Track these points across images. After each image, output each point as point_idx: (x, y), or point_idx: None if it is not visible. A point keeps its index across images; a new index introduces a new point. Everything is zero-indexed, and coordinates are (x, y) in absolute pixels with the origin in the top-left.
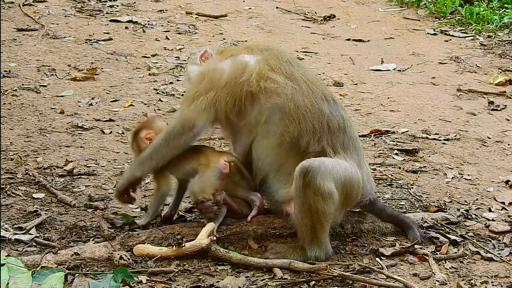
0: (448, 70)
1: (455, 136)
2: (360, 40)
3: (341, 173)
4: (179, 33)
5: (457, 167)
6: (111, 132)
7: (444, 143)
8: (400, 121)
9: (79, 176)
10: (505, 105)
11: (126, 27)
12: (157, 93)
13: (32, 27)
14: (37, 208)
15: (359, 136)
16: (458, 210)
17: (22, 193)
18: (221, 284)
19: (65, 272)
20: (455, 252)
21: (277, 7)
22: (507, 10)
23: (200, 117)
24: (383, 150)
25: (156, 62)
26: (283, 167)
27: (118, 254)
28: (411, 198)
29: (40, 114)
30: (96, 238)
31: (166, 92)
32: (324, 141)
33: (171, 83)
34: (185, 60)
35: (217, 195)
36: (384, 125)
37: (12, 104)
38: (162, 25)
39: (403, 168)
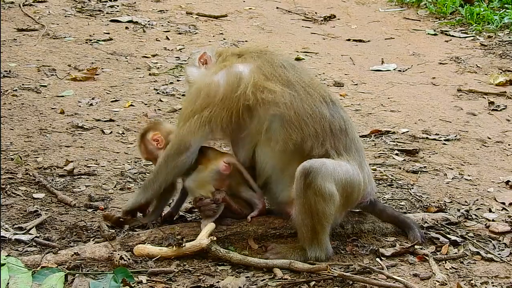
0: (448, 71)
1: (456, 136)
2: (360, 40)
3: (342, 174)
4: (180, 33)
5: (457, 168)
6: (111, 132)
7: (444, 144)
8: (401, 122)
9: (79, 176)
10: (506, 106)
11: (127, 27)
12: (158, 93)
13: (32, 27)
14: (37, 208)
15: (360, 136)
16: (459, 210)
17: (22, 193)
18: (221, 284)
19: (65, 272)
20: (455, 253)
21: (277, 7)
22: (507, 10)
23: (195, 137)
24: (384, 151)
25: (156, 62)
26: (286, 170)
27: (118, 254)
28: (411, 199)
29: (40, 114)
30: (96, 238)
31: (167, 92)
32: (328, 144)
33: (171, 83)
34: (185, 60)
35: (217, 194)
36: (385, 125)
37: (12, 104)
38: (162, 25)
39: (404, 169)
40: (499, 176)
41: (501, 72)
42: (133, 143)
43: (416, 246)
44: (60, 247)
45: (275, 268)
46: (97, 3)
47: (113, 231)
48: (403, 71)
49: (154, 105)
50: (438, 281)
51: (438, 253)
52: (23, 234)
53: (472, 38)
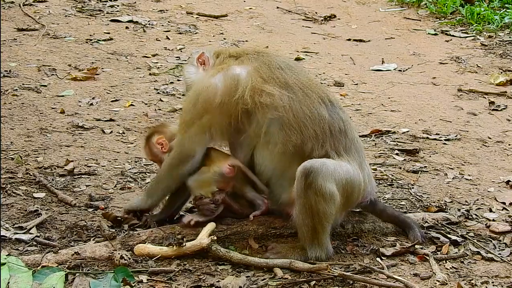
0: (448, 70)
1: (456, 136)
2: (360, 40)
3: (343, 174)
4: (180, 33)
5: (457, 167)
6: (111, 132)
7: (444, 143)
8: (401, 121)
9: (79, 176)
10: (506, 105)
11: (127, 27)
12: (158, 93)
13: (33, 27)
14: (38, 207)
15: (360, 136)
16: (459, 210)
17: (23, 193)
18: (221, 284)
19: (65, 271)
20: (456, 252)
21: (277, 7)
22: (507, 10)
23: (198, 145)
24: (384, 150)
25: (156, 62)
26: (286, 172)
27: (119, 253)
28: (411, 198)
29: (40, 113)
30: (96, 238)
31: (167, 92)
32: (327, 146)
33: (171, 83)
34: (185, 60)
35: (217, 194)
36: (385, 125)
37: (12, 103)
38: (162, 25)
39: (404, 168)
40: (500, 176)
41: (501, 72)
42: (134, 143)
43: (416, 246)
44: (60, 247)
45: (275, 267)
46: (97, 3)
47: (114, 230)
48: (404, 71)
49: (155, 104)
50: (438, 281)
51: (439, 252)
52: (24, 233)
53: (472, 38)
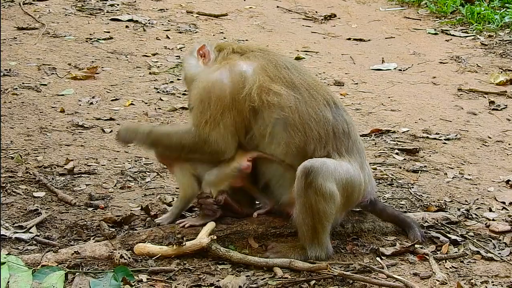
0: (449, 70)
1: (456, 135)
2: (360, 40)
3: (343, 174)
4: (180, 32)
5: (457, 167)
6: (111, 131)
7: (444, 143)
8: (401, 121)
9: (79, 175)
10: (506, 105)
11: (127, 26)
12: (158, 92)
13: (33, 26)
14: (38, 206)
15: (360, 135)
16: (459, 209)
17: (23, 192)
18: (221, 283)
19: (65, 270)
20: (456, 252)
21: (277, 6)
22: (508, 10)
23: (231, 146)
24: (384, 150)
25: (156, 61)
26: (287, 172)
27: (119, 253)
28: (411, 198)
29: (40, 113)
30: (96, 237)
31: (167, 91)
32: (330, 147)
33: (171, 82)
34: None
35: (219, 195)
36: (385, 124)
37: (12, 103)
38: (162, 24)
39: (404, 168)
40: (500, 176)
41: (501, 72)
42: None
43: (416, 245)
44: (60, 246)
45: (275, 267)
46: (98, 1)
47: (113, 230)
48: (404, 70)
49: (155, 104)
50: (438, 280)
51: (438, 252)
52: (24, 232)
53: (472, 37)
